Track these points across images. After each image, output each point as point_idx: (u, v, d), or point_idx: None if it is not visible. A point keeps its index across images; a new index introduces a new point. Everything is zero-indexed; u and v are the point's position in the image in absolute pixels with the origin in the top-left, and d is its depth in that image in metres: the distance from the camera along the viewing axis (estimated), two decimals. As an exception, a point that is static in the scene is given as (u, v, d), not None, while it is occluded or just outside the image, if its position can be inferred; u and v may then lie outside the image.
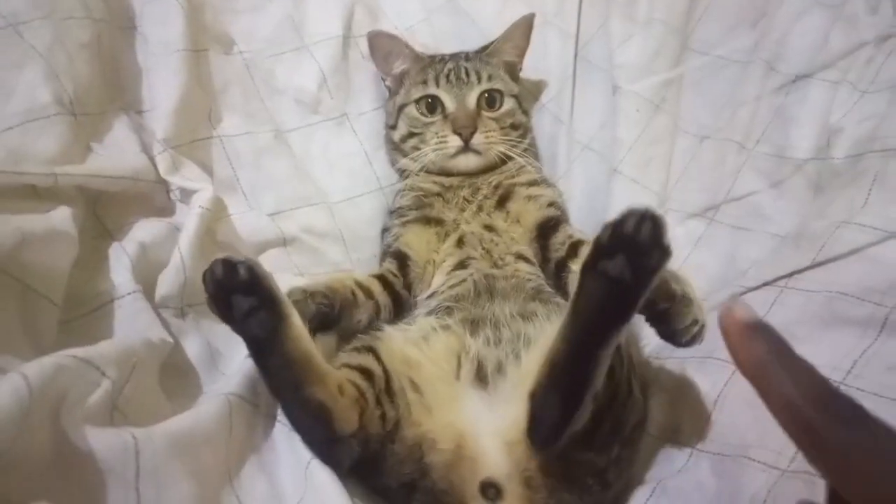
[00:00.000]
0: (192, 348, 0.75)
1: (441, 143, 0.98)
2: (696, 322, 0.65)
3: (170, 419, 0.56)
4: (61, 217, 0.67)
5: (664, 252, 0.55)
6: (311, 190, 1.02)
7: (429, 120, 1.01)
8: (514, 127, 1.03)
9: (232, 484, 0.60)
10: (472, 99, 1.00)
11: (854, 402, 0.33)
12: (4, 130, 0.70)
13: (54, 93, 0.75)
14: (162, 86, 0.88)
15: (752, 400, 0.72)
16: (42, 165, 0.69)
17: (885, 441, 0.32)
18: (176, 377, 0.69)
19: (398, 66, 1.07)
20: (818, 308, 0.76)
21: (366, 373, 0.71)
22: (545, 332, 0.72)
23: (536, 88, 1.14)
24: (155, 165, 0.84)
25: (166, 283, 0.75)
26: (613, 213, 0.98)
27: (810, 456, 0.34)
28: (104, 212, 0.79)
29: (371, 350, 0.75)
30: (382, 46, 1.07)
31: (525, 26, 1.06)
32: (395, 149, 1.06)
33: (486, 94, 1.01)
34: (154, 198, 0.85)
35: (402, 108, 1.03)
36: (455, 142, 0.97)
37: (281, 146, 1.01)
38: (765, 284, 0.82)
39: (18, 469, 0.43)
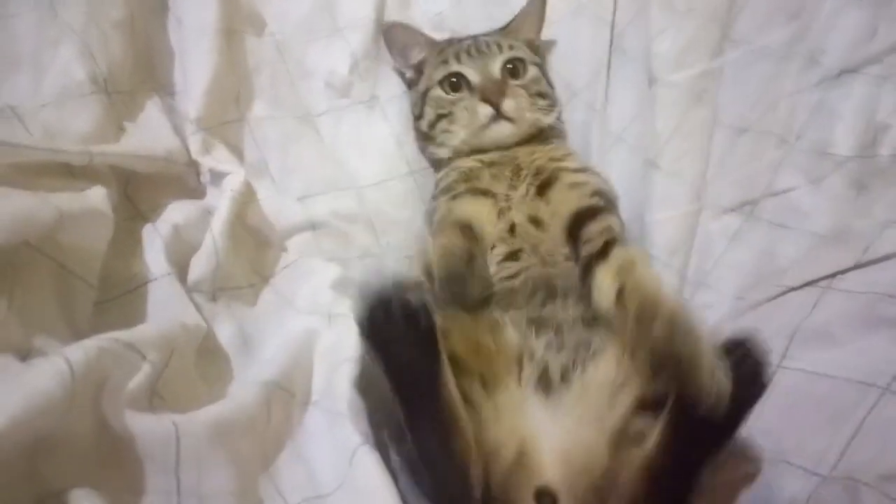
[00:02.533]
0: (225, 333, 0.74)
1: (471, 115, 0.95)
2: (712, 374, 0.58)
3: (209, 406, 0.56)
4: (97, 196, 0.66)
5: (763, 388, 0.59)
6: (340, 174, 1.00)
7: (455, 97, 0.98)
8: (541, 95, 1.01)
9: (269, 471, 0.59)
10: (496, 68, 0.98)
11: None
12: (40, 107, 0.69)
13: (89, 71, 0.74)
14: (195, 67, 0.87)
15: (790, 404, 0.72)
16: (77, 144, 0.68)
17: None
18: (209, 362, 0.69)
19: (416, 56, 1.06)
20: (862, 309, 0.75)
21: (466, 399, 0.66)
22: (611, 344, 0.70)
23: (569, 74, 1.11)
24: (186, 147, 0.84)
25: (199, 267, 0.75)
26: (650, 206, 0.98)
27: None
28: (136, 193, 0.78)
29: (457, 363, 0.68)
30: (398, 38, 1.06)
31: (539, 2, 1.06)
32: (425, 138, 1.04)
33: (510, 64, 0.99)
34: (185, 180, 0.85)
35: (426, 93, 1.01)
36: (486, 110, 0.94)
37: (310, 130, 1.00)
38: (807, 284, 0.80)
39: (61, 453, 0.43)
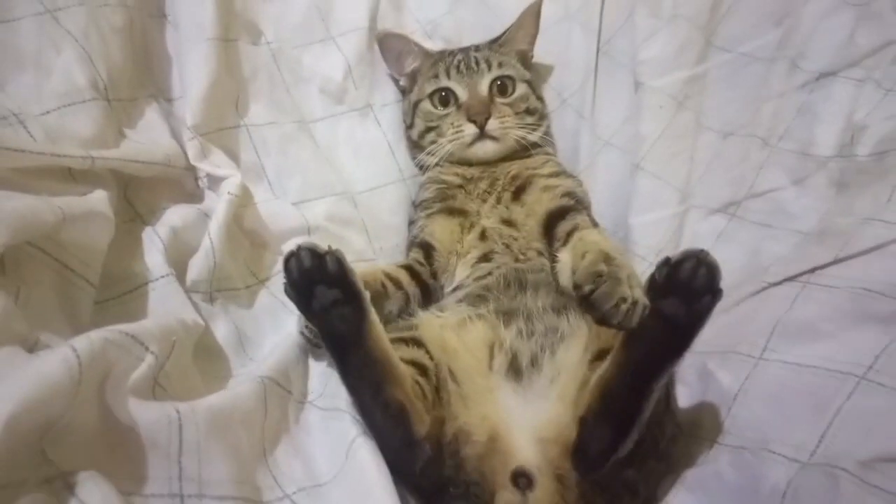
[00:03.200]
0: (221, 332, 0.76)
1: (457, 132, 0.99)
2: (623, 300, 0.60)
3: (210, 397, 0.57)
4: (98, 199, 0.68)
5: (716, 295, 0.61)
6: (335, 179, 1.02)
7: (443, 112, 1.02)
8: (528, 112, 1.04)
9: (266, 462, 0.61)
10: (483, 86, 1.01)
11: None
12: (43, 113, 0.71)
13: (89, 77, 0.76)
14: (192, 73, 0.89)
15: (772, 394, 0.74)
16: (79, 148, 0.70)
17: None
18: (206, 359, 0.70)
19: (409, 65, 1.09)
20: (841, 303, 0.77)
21: (421, 369, 0.71)
22: (580, 329, 0.73)
23: (558, 83, 1.14)
24: (184, 152, 0.86)
25: (196, 268, 0.77)
26: (636, 209, 1.01)
27: None
28: (135, 196, 0.80)
29: (419, 343, 0.75)
30: (393, 46, 1.09)
31: (534, 13, 1.08)
32: (415, 146, 1.07)
33: (498, 81, 1.02)
34: (183, 183, 0.86)
35: (416, 104, 1.05)
36: (470, 129, 0.98)
37: (305, 136, 1.02)
38: (787, 280, 0.83)
39: (68, 438, 0.45)
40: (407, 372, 0.68)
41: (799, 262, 0.84)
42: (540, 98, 1.08)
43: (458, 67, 1.02)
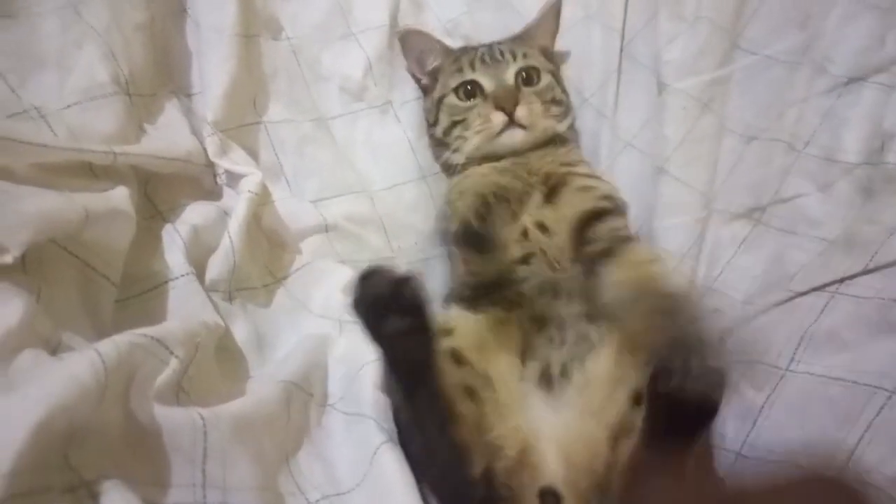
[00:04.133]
0: (240, 332, 0.76)
1: (485, 122, 0.96)
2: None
3: (233, 402, 0.57)
4: (120, 197, 0.68)
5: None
6: (353, 177, 1.01)
7: (469, 104, 1.00)
8: (555, 102, 1.02)
9: (289, 468, 0.60)
10: (510, 76, 0.99)
11: None
12: (64, 108, 0.70)
13: (111, 72, 0.76)
14: (213, 69, 0.88)
15: (800, 407, 0.73)
16: (100, 144, 0.69)
17: None
18: (226, 360, 0.70)
19: (431, 62, 1.07)
20: (870, 314, 0.76)
21: (469, 392, 0.69)
22: (610, 336, 0.72)
23: (579, 82, 1.13)
24: (204, 148, 0.85)
25: (216, 267, 0.76)
26: (659, 212, 1.00)
27: None
28: (154, 193, 0.79)
29: (461, 360, 0.72)
30: (414, 44, 1.08)
31: (554, 10, 1.07)
32: (439, 144, 1.05)
33: (524, 72, 1.00)
34: (203, 181, 0.86)
35: (440, 100, 1.03)
36: (499, 118, 0.95)
37: (325, 133, 1.01)
38: (814, 289, 0.81)
39: (93, 443, 0.44)
40: (466, 409, 0.66)
41: (826, 271, 0.83)
42: (564, 90, 1.06)
43: (482, 59, 1.01)
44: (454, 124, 1.00)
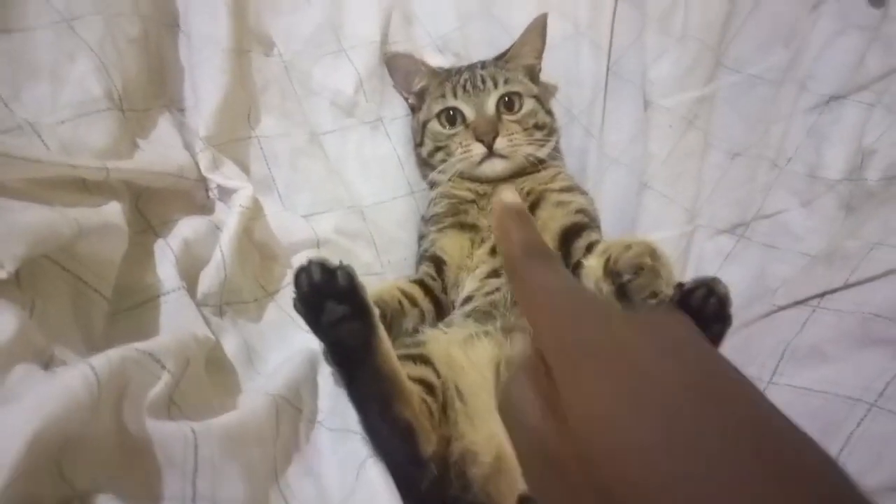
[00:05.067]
0: (230, 346, 0.76)
1: (466, 151, 0.98)
2: (656, 294, 0.63)
3: (224, 415, 0.57)
4: (113, 211, 0.68)
5: (726, 323, 0.64)
6: (344, 192, 1.02)
7: (451, 132, 1.02)
8: (537, 127, 1.03)
9: (279, 483, 0.60)
10: (490, 105, 1.01)
11: (551, 252, 0.45)
12: (58, 123, 0.71)
13: (104, 87, 0.76)
14: (206, 84, 0.89)
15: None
16: (93, 159, 0.70)
17: (570, 282, 0.42)
18: (215, 374, 0.70)
19: (417, 84, 1.09)
20: (851, 328, 0.77)
21: (428, 387, 0.71)
22: None
23: (566, 99, 1.15)
24: (196, 163, 0.86)
25: (207, 281, 0.76)
26: (643, 227, 1.01)
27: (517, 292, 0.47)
28: (146, 207, 0.79)
29: (426, 360, 0.75)
30: (401, 66, 1.10)
31: (539, 27, 1.08)
32: (424, 164, 1.08)
33: (505, 98, 1.01)
34: (194, 195, 0.86)
35: (425, 124, 1.05)
36: (479, 149, 0.97)
37: (316, 148, 1.02)
38: (797, 303, 0.83)
39: (86, 456, 0.44)
40: (414, 390, 0.68)
41: (808, 285, 0.84)
42: (549, 112, 1.07)
43: (464, 87, 1.02)
44: (437, 149, 1.03)
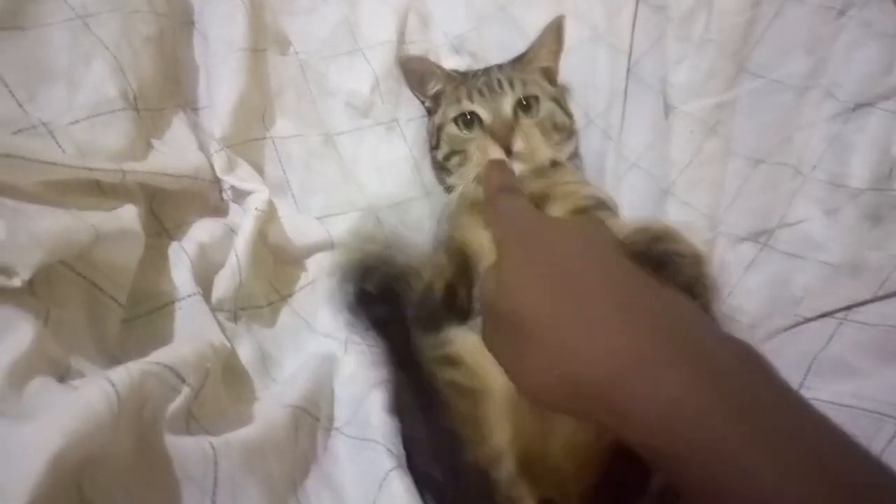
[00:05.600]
0: (245, 353, 0.74)
1: (484, 155, 0.96)
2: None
3: (243, 429, 0.56)
4: (129, 215, 0.66)
5: None
6: (358, 194, 1.01)
7: (468, 136, 0.99)
8: (556, 129, 1.00)
9: (297, 496, 0.59)
10: (507, 107, 0.98)
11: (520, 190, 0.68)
12: (72, 124, 0.69)
13: (120, 87, 0.74)
14: (222, 84, 0.87)
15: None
16: (109, 161, 0.68)
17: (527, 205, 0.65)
18: (232, 382, 0.68)
19: (433, 88, 1.07)
20: (879, 342, 0.76)
21: (460, 389, 0.70)
22: None
23: (585, 103, 1.13)
24: (211, 164, 0.84)
25: (222, 286, 0.75)
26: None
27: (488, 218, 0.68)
28: (160, 210, 0.78)
29: (456, 362, 0.73)
30: (415, 70, 1.08)
31: (556, 29, 1.05)
32: (440, 167, 1.05)
33: (522, 101, 0.99)
34: (208, 196, 0.85)
35: (440, 128, 1.03)
36: (497, 152, 0.94)
37: (331, 149, 1.00)
38: (822, 315, 0.82)
39: (105, 475, 0.43)
40: (456, 402, 0.67)
41: (834, 297, 0.83)
42: (569, 114, 1.05)
43: (480, 91, 1.00)
44: (454, 153, 1.01)
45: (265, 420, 0.59)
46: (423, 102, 1.11)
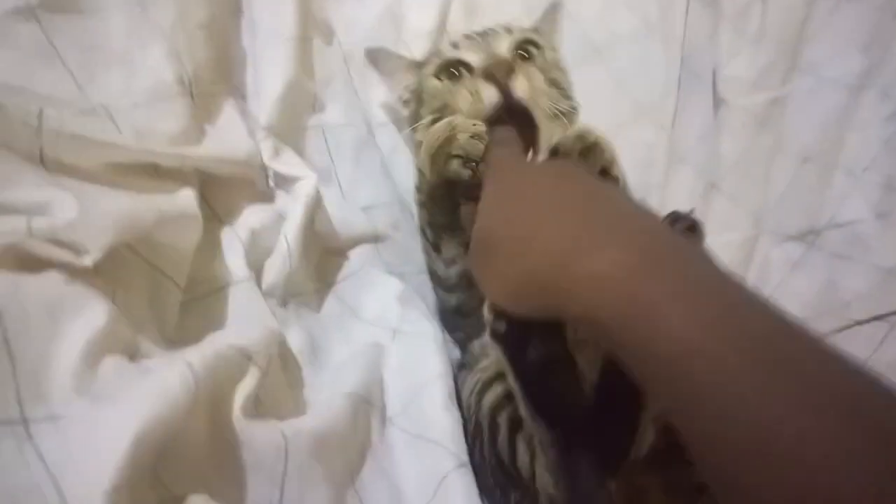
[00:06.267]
0: (295, 339, 0.74)
1: (475, 101, 0.75)
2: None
3: (309, 418, 0.56)
4: (187, 198, 0.67)
5: None
6: (398, 186, 1.00)
7: (453, 86, 0.80)
8: (555, 84, 0.81)
9: (354, 485, 0.59)
10: (503, 48, 0.79)
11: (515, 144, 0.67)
12: (132, 107, 0.69)
13: (176, 72, 0.74)
14: (270, 72, 0.88)
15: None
16: (165, 145, 0.68)
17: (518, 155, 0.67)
18: (284, 368, 0.68)
19: (405, 79, 0.96)
20: (931, 347, 0.75)
21: None
22: None
23: (635, 93, 1.09)
24: (259, 151, 0.84)
25: (273, 272, 0.75)
26: (708, 228, 0.99)
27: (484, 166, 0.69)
28: (211, 195, 0.78)
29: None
30: (381, 60, 0.96)
31: (553, 13, 0.96)
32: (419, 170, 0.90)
33: (522, 46, 0.81)
34: (257, 183, 0.84)
35: (419, 95, 0.88)
36: (490, 93, 0.74)
37: (374, 140, 1.00)
38: (874, 318, 0.81)
39: (182, 459, 0.43)
40: None
41: (886, 300, 0.82)
42: (563, 69, 0.88)
43: (468, 37, 0.83)
44: (436, 119, 0.78)
45: (328, 409, 0.59)
46: (400, 97, 0.97)
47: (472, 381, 0.74)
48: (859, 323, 0.82)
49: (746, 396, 0.34)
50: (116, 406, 0.40)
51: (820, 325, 0.87)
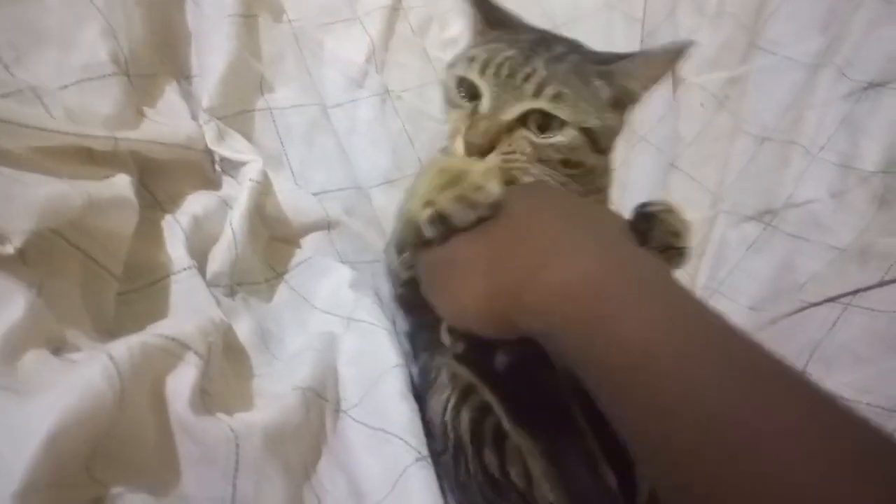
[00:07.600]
0: (243, 329, 0.71)
1: (451, 139, 0.69)
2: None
3: (259, 413, 0.54)
4: (122, 184, 0.63)
5: None
6: (353, 170, 0.97)
7: (462, 104, 0.70)
8: (571, 164, 0.69)
9: (310, 480, 0.57)
10: (511, 111, 0.66)
11: None
12: (61, 88, 0.65)
13: (111, 51, 0.70)
14: (212, 51, 0.84)
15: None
16: (99, 127, 0.65)
17: None
18: (231, 359, 0.66)
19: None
20: (884, 329, 0.75)
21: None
22: None
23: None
24: (203, 134, 0.81)
25: (218, 260, 0.72)
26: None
27: None
28: (151, 181, 0.74)
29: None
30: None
31: (676, 53, 0.71)
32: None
33: (538, 116, 0.66)
34: (202, 168, 0.81)
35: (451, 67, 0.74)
36: (461, 149, 0.66)
37: (328, 122, 0.96)
38: (827, 300, 0.81)
39: (117, 454, 0.41)
40: None
41: (839, 281, 0.82)
42: (602, 149, 0.72)
43: (499, 66, 0.67)
44: (449, 106, 0.73)
45: (279, 403, 0.57)
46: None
47: (441, 398, 0.69)
48: (812, 305, 0.82)
49: (698, 395, 0.36)
50: (33, 401, 0.37)
51: (774, 307, 0.87)
